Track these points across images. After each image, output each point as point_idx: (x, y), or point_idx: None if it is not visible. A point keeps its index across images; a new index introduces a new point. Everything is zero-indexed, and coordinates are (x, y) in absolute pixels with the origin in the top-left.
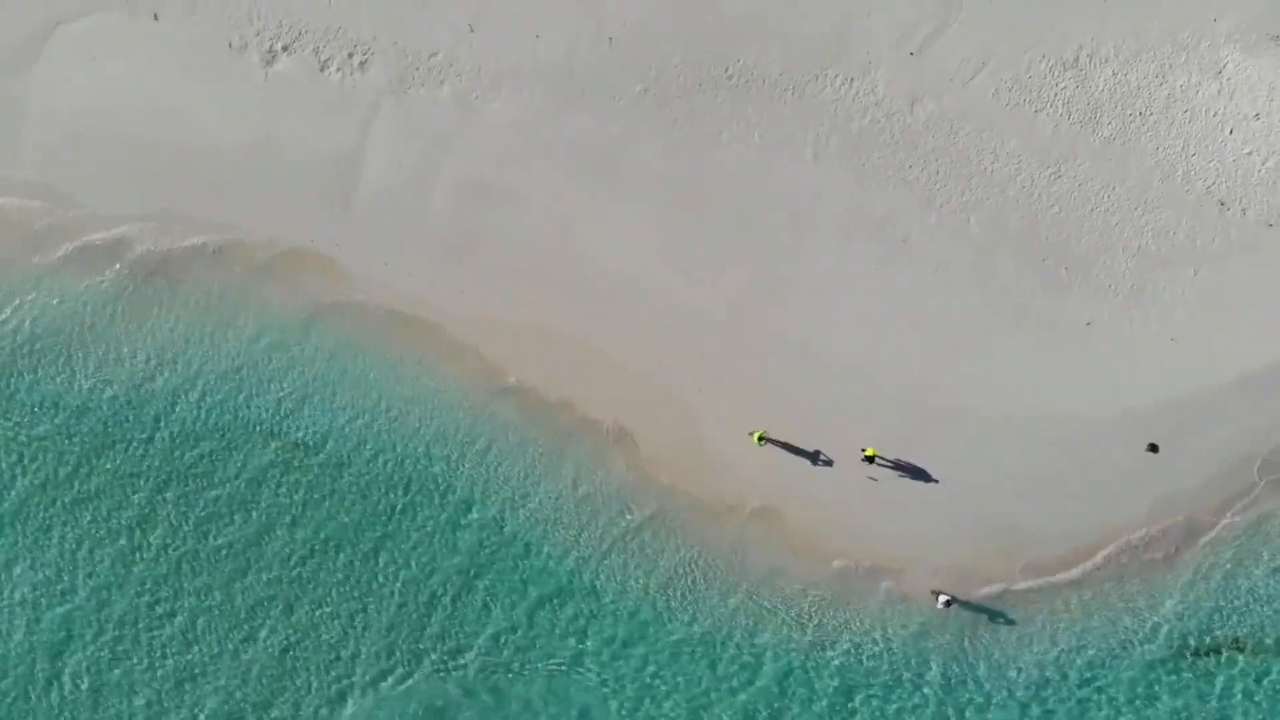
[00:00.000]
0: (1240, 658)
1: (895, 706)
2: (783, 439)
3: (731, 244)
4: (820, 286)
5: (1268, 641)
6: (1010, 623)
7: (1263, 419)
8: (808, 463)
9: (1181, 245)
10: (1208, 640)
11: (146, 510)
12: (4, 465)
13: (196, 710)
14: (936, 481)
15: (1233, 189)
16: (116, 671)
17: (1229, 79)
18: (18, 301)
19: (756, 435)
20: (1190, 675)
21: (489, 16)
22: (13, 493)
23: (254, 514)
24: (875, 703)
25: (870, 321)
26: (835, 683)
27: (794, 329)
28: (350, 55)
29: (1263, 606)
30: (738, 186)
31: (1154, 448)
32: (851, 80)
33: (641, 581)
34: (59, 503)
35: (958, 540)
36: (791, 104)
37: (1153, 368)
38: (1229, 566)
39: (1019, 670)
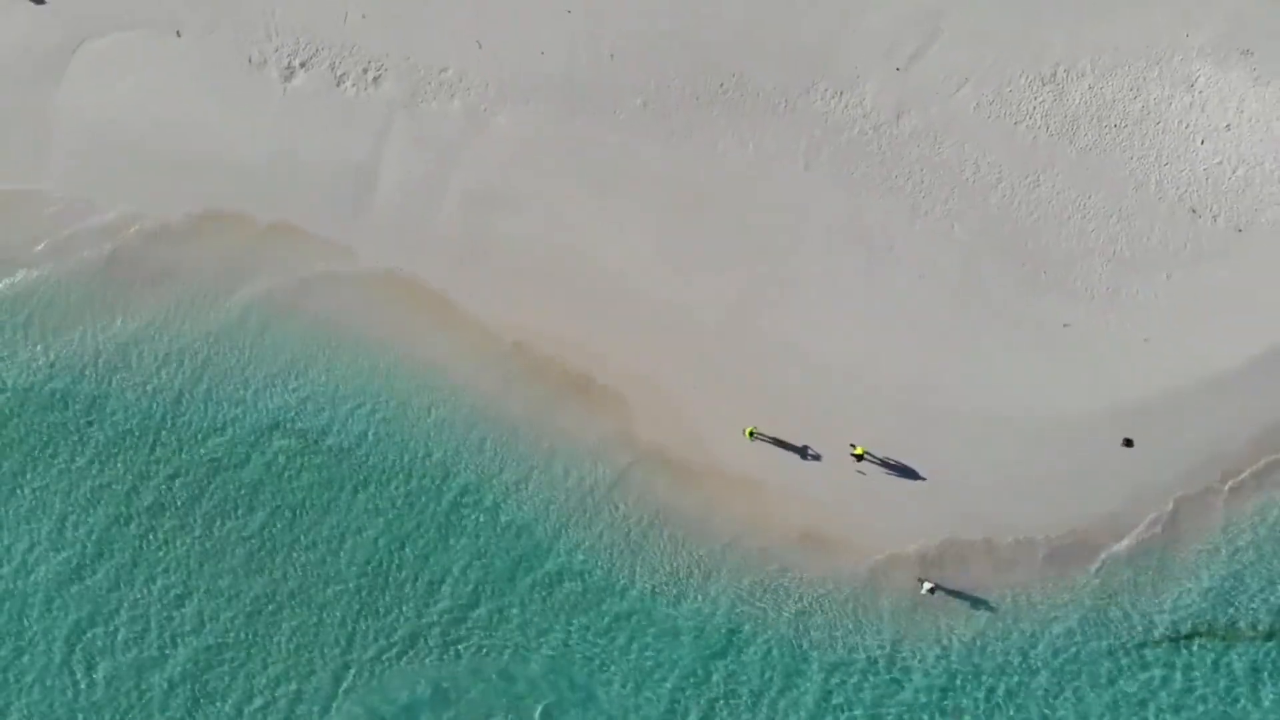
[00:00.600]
0: (1199, 642)
1: (861, 678)
2: (775, 435)
3: (729, 248)
4: (814, 290)
5: (1224, 628)
6: (984, 608)
7: (1232, 417)
8: (797, 457)
9: (1155, 250)
10: (1170, 626)
11: (151, 491)
12: (3, 445)
13: (204, 681)
14: (923, 478)
15: (1204, 197)
16: (130, 652)
17: (1200, 92)
18: (20, 284)
19: (748, 431)
20: (1153, 659)
21: (496, 34)
22: (11, 469)
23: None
24: (848, 680)
25: (861, 323)
26: (818, 670)
27: (789, 330)
28: (365, 71)
29: (1222, 595)
30: (734, 194)
31: (1129, 443)
32: (841, 94)
33: (628, 557)
34: (63, 483)
35: (941, 530)
36: (784, 116)
37: (1127, 368)
38: (1192, 557)
39: (987, 651)
